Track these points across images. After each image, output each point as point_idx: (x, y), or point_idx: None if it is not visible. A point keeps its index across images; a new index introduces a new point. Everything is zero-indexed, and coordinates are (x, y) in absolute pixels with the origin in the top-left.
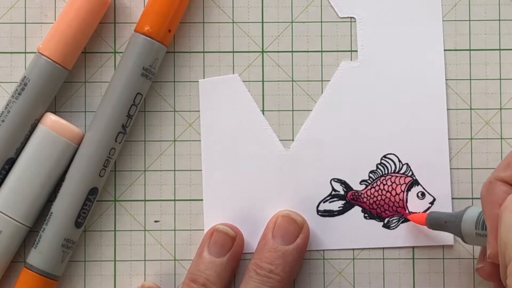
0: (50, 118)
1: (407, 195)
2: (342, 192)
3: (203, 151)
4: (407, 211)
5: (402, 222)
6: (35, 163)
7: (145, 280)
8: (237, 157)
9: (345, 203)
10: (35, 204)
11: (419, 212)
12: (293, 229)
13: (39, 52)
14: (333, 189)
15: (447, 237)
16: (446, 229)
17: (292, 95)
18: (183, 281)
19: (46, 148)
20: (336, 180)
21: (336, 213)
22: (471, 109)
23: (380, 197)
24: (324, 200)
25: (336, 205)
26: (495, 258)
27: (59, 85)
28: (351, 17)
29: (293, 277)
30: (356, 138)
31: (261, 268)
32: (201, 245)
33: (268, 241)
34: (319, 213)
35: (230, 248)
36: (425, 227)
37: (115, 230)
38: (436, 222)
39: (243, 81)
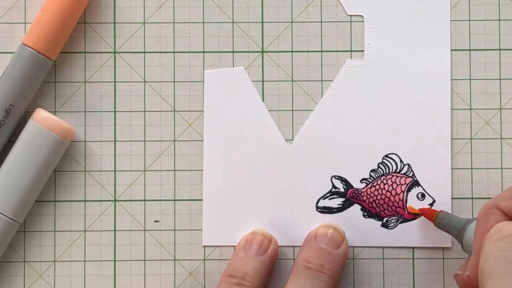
0: (41, 114)
1: (407, 195)
2: (342, 190)
3: (205, 143)
4: (406, 212)
5: (400, 223)
6: (25, 158)
7: (145, 280)
8: (239, 151)
9: (344, 200)
10: (25, 200)
11: (430, 208)
12: (337, 237)
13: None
14: (334, 186)
15: (445, 239)
16: (451, 234)
17: (292, 95)
18: (220, 280)
19: (36, 144)
20: (336, 177)
21: (335, 210)
22: (471, 109)
23: (380, 196)
24: (323, 197)
25: (336, 202)
26: (473, 280)
27: (33, 65)
28: (354, 16)
29: (339, 281)
30: (359, 136)
31: (312, 263)
32: (237, 247)
33: (314, 243)
34: (318, 210)
35: (267, 248)
36: (425, 225)
37: (115, 230)
38: (445, 223)
39: None
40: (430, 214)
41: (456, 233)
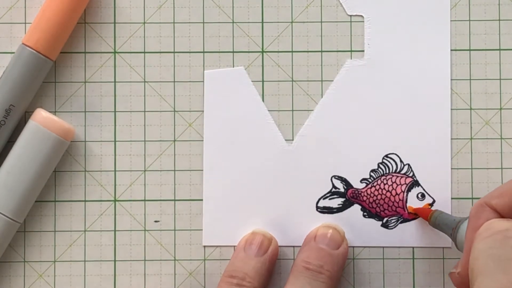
0: (41, 114)
1: (407, 195)
2: (342, 190)
3: (205, 143)
4: (406, 212)
5: (401, 223)
6: (25, 158)
7: (145, 280)
8: (239, 151)
9: (344, 200)
10: (25, 200)
11: (425, 208)
12: (337, 237)
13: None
14: (334, 186)
15: (445, 239)
16: (446, 233)
17: (292, 95)
18: (220, 280)
19: (36, 144)
20: (336, 177)
21: (335, 210)
22: (471, 109)
23: (380, 196)
24: (324, 197)
25: (336, 202)
26: (464, 278)
27: (33, 65)
28: (354, 16)
29: (338, 282)
30: (359, 136)
31: (311, 264)
32: (237, 247)
33: (314, 243)
34: (318, 210)
35: (267, 249)
36: (424, 225)
37: (115, 230)
38: (439, 222)
39: None
40: (426, 214)
41: (450, 232)
